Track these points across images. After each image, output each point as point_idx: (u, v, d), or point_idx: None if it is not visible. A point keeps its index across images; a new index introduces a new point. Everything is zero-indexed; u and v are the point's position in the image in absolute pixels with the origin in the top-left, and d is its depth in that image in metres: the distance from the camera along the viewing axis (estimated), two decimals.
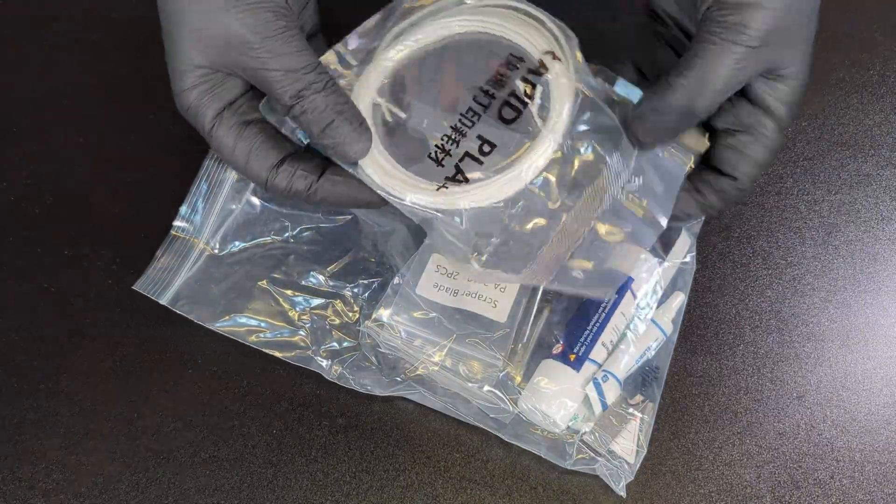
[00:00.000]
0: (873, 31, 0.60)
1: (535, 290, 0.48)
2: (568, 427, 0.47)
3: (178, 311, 0.49)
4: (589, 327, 0.47)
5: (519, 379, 0.48)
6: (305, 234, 0.52)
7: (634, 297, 0.48)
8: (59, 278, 0.52)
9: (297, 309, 0.50)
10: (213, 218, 0.51)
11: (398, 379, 0.48)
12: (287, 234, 0.51)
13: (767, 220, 0.54)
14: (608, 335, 0.47)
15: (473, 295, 0.48)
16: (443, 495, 0.47)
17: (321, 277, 0.51)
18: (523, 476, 0.47)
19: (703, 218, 0.51)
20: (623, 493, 0.46)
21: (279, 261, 0.51)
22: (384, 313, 0.48)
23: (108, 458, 0.47)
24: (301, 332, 0.50)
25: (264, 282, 0.51)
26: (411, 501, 0.47)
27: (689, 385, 0.50)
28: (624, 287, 0.48)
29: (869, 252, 0.53)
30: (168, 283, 0.50)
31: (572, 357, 0.46)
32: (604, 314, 0.47)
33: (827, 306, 0.52)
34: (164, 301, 0.50)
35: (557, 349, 0.47)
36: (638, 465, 0.47)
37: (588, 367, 0.46)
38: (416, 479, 0.47)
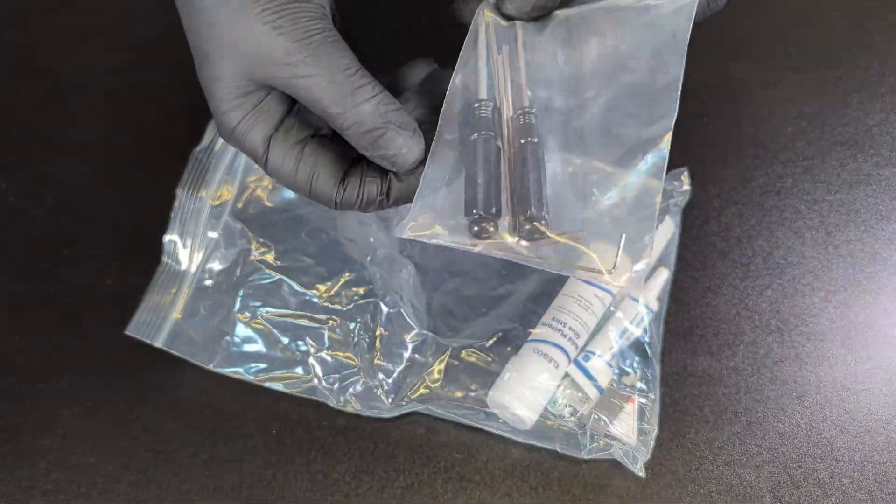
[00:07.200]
0: (873, 31, 0.60)
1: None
2: (548, 410, 0.47)
3: (175, 353, 0.48)
4: None
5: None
6: (291, 255, 0.51)
7: (587, 280, 0.48)
8: (59, 278, 0.52)
9: (295, 338, 0.49)
10: (197, 249, 0.50)
11: (402, 403, 0.48)
12: (272, 257, 0.51)
13: (767, 220, 0.54)
14: (549, 315, 0.48)
15: None
16: (443, 495, 0.47)
17: (315, 301, 0.50)
18: (523, 476, 0.47)
19: (688, 195, 0.53)
20: (642, 474, 0.46)
21: (270, 287, 0.50)
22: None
23: (108, 458, 0.47)
24: (301, 362, 0.49)
25: (260, 312, 0.49)
26: (411, 502, 0.47)
27: (689, 385, 0.50)
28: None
29: (869, 252, 0.53)
30: (160, 323, 0.49)
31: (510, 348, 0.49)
32: None
33: (827, 306, 0.52)
34: (158, 344, 0.48)
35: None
36: (652, 445, 0.47)
37: (528, 346, 0.47)
38: (416, 480, 0.47)
